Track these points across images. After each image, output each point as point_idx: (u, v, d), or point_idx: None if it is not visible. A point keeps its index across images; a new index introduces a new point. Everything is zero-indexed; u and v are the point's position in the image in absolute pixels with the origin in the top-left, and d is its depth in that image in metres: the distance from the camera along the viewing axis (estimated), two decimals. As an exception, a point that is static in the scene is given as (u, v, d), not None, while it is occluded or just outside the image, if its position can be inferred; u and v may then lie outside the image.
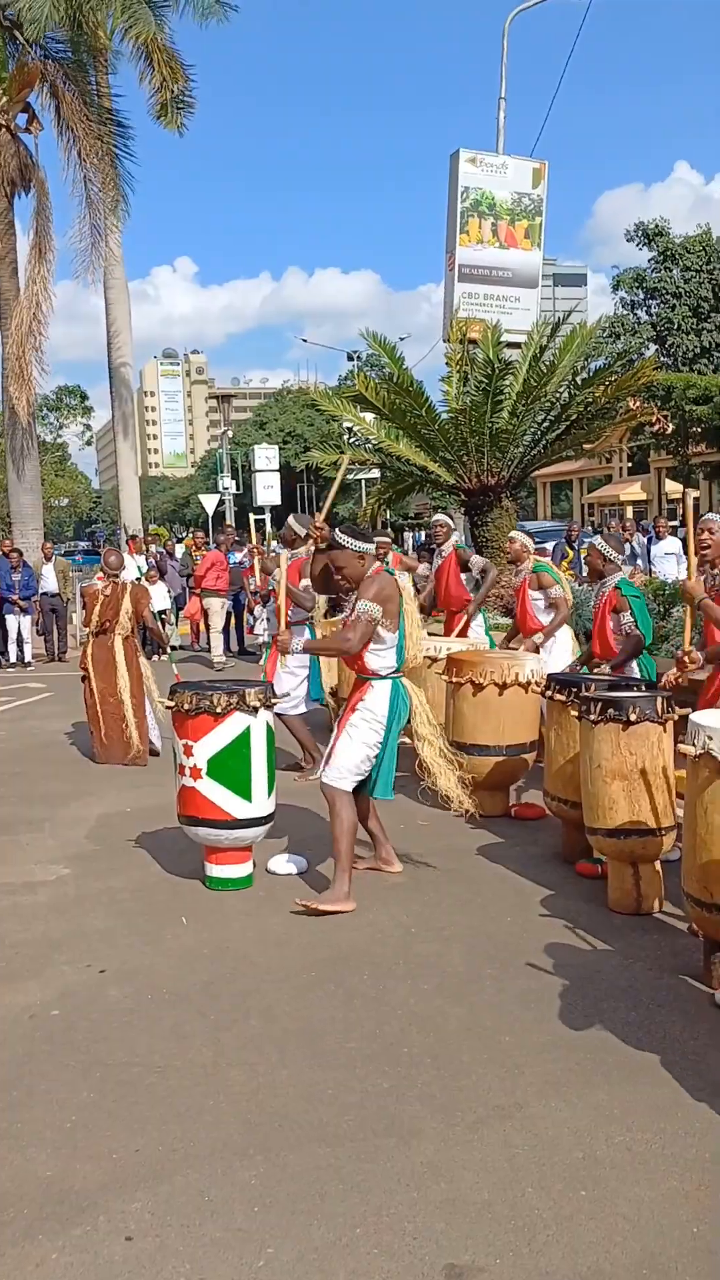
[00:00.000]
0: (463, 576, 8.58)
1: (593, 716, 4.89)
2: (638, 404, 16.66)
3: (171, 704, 5.25)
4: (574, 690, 5.34)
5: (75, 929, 4.86)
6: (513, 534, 7.89)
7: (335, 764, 5.03)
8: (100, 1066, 3.58)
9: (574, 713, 5.14)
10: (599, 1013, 3.85)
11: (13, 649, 15.59)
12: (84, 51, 20.24)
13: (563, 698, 5.47)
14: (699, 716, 4.04)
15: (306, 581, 7.79)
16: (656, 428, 29.53)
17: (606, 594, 6.18)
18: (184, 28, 20.39)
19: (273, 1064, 3.56)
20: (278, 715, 6.67)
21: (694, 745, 3.89)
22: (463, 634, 8.45)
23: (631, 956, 4.35)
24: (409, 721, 5.21)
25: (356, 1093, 3.37)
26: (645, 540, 18.07)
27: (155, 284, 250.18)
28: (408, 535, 25.93)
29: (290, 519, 8.33)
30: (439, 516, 9.16)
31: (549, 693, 5.66)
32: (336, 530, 5.15)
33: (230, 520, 32.44)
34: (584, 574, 15.48)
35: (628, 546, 15.99)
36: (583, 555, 6.80)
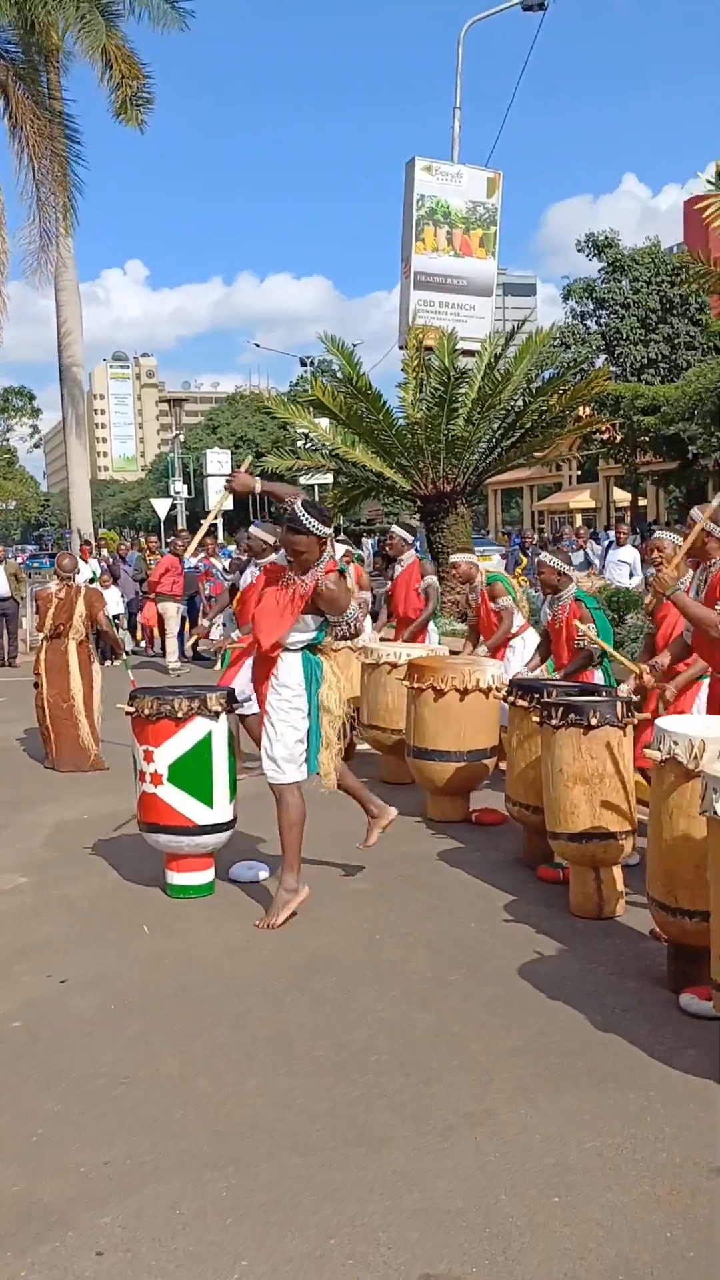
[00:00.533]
0: (419, 587, 8.63)
1: (554, 721, 4.92)
2: (588, 413, 16.85)
3: (131, 709, 5.19)
4: (536, 695, 5.37)
5: (35, 939, 4.78)
6: (455, 558, 7.93)
7: (271, 758, 4.90)
8: (65, 1078, 3.52)
9: (535, 718, 5.17)
10: (565, 1018, 3.86)
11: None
12: (35, 52, 20.06)
13: (524, 703, 5.49)
14: (664, 722, 4.08)
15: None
16: (606, 436, 29.89)
17: (567, 606, 6.20)
18: (140, 31, 20.26)
19: (241, 1073, 3.53)
20: (240, 717, 6.68)
21: (659, 750, 3.93)
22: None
23: (595, 961, 4.37)
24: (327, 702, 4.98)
25: (326, 1101, 3.35)
26: (601, 548, 18.28)
27: (105, 286, 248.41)
28: (366, 541, 25.90)
29: (253, 529, 8.30)
30: (395, 529, 9.12)
31: (510, 698, 5.68)
32: (299, 507, 4.66)
33: (182, 525, 32.21)
34: (536, 579, 15.66)
35: (581, 553, 16.15)
36: (536, 574, 6.82)
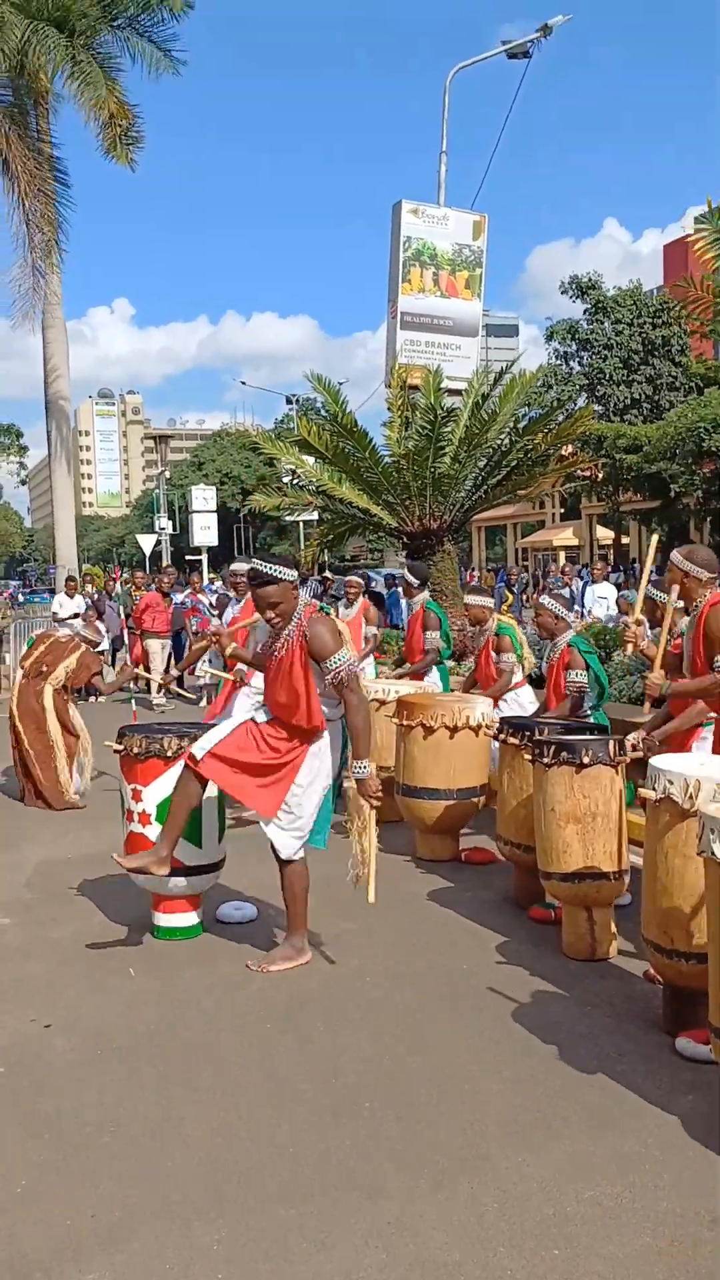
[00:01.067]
0: (425, 634, 8.58)
1: (546, 759, 4.89)
2: (571, 452, 16.96)
3: (120, 747, 5.14)
4: (527, 733, 5.35)
5: (17, 980, 4.69)
6: (469, 599, 7.84)
7: (288, 829, 4.67)
8: (50, 1125, 3.43)
9: (527, 756, 5.14)
10: (560, 1061, 3.80)
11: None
12: (25, 95, 20.29)
13: (516, 741, 5.47)
14: (659, 761, 4.05)
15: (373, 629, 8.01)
16: (589, 475, 30.11)
17: (560, 650, 6.17)
18: (133, 71, 20.50)
19: (229, 1117, 3.45)
20: None
21: (654, 789, 3.90)
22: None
23: (589, 1003, 4.32)
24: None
25: (317, 1147, 3.27)
26: (580, 585, 18.38)
27: (92, 324, 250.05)
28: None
29: (235, 564, 8.30)
30: (406, 574, 9.17)
31: (502, 736, 5.65)
32: (257, 561, 4.52)
33: (167, 560, 32.19)
34: (521, 614, 15.67)
35: (567, 590, 16.22)
36: (532, 617, 6.80)
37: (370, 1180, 3.09)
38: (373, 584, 17.32)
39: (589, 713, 5.96)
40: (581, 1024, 4.11)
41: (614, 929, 4.87)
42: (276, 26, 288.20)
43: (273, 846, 4.74)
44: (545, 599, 6.28)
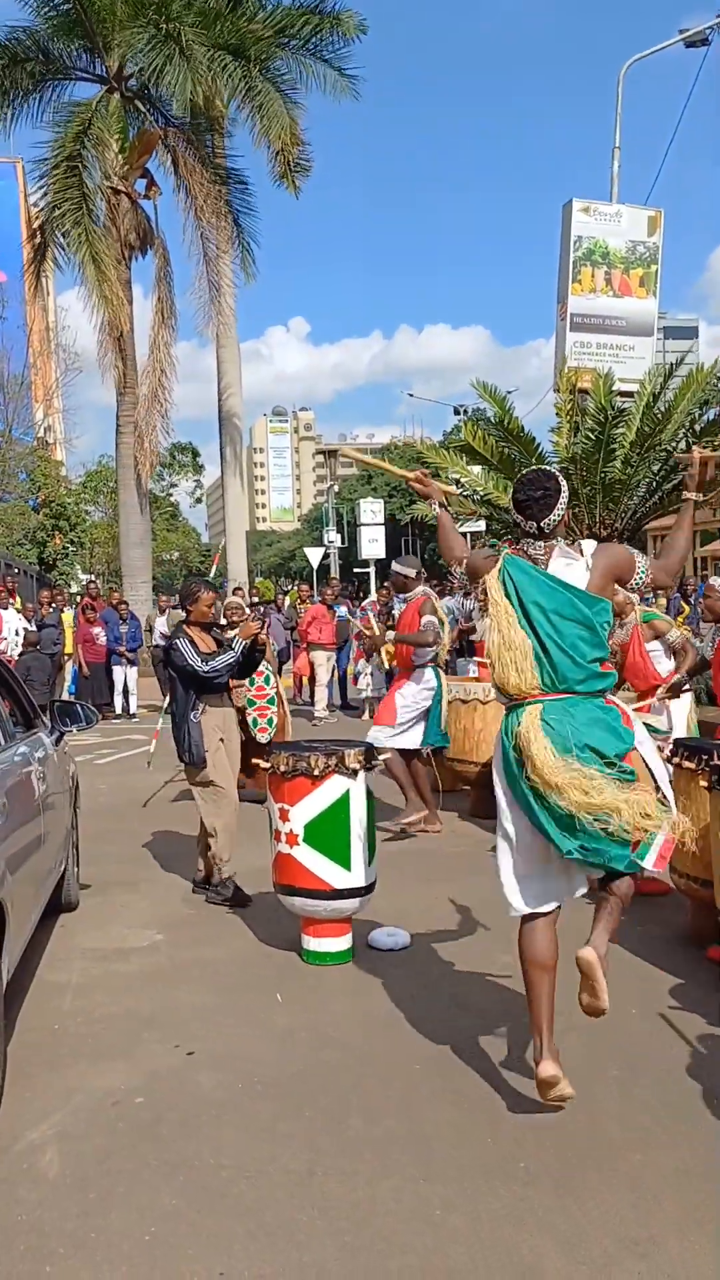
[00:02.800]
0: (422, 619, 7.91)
1: (725, 787, 4.46)
2: (755, 454, 16.04)
3: (267, 765, 4.99)
4: (704, 758, 4.91)
5: (165, 1004, 4.58)
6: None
7: None
8: (186, 1168, 3.26)
9: (704, 783, 4.71)
10: (743, 1130, 3.39)
11: (118, 700, 15.63)
12: (201, 118, 20.80)
13: (692, 765, 5.03)
14: None
15: (429, 618, 7.56)
16: (774, 479, 28.62)
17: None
18: (311, 95, 20.57)
19: (374, 1174, 3.20)
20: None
21: None
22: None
23: (776, 1062, 3.86)
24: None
25: (468, 1214, 2.98)
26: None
27: (269, 343, 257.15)
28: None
29: (395, 564, 8.09)
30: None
31: (676, 759, 5.22)
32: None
33: (335, 574, 32.44)
34: (699, 627, 14.88)
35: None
36: (703, 599, 6.37)
37: (524, 1258, 2.78)
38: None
39: None
40: (768, 1087, 3.67)
41: None
42: (443, 32, 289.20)
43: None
44: (716, 579, 5.89)
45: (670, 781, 3.79)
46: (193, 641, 5.87)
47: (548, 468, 4.28)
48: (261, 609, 17.95)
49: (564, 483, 3.55)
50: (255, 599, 19.26)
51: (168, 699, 9.70)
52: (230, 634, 6.30)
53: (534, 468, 4.08)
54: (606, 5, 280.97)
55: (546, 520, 3.47)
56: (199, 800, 5.97)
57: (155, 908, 5.98)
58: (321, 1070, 3.90)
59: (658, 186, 28.49)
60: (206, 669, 5.79)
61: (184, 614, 6.18)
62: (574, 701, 3.40)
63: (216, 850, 5.92)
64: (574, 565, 3.46)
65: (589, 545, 3.52)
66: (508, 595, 3.45)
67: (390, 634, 8.71)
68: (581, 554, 3.47)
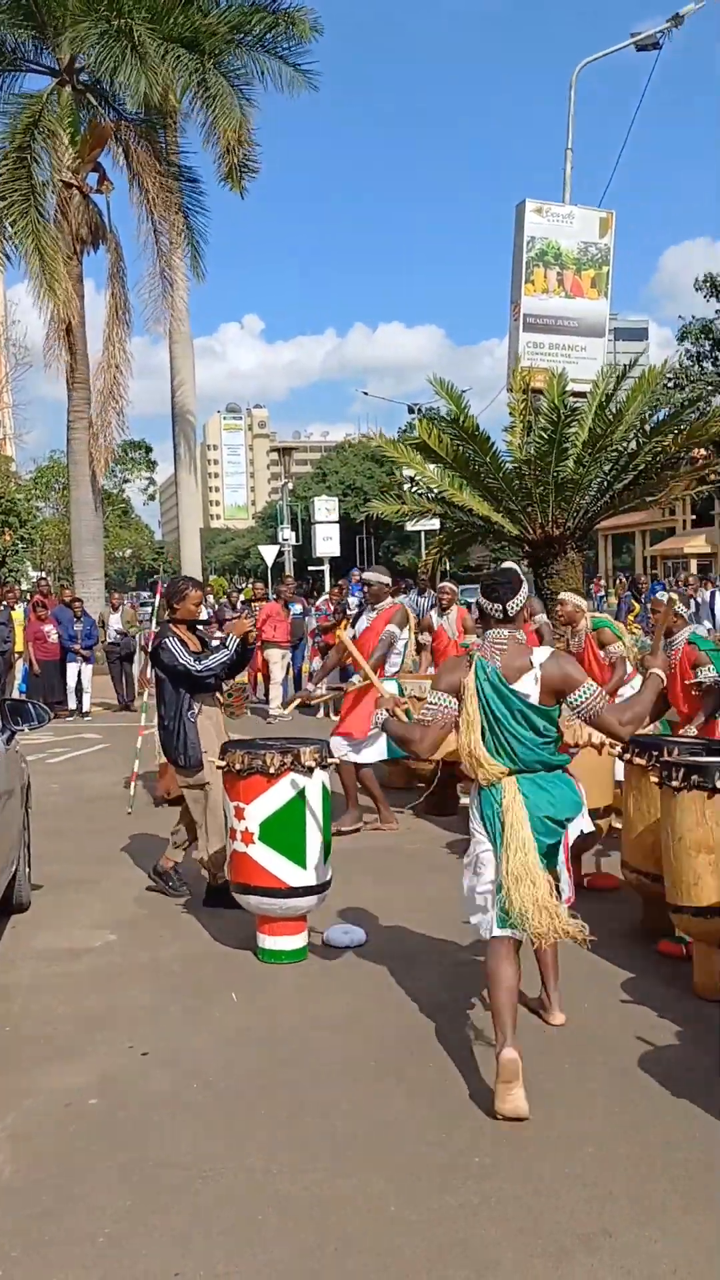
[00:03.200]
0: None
1: (675, 783, 4.51)
2: (705, 454, 16.25)
3: (222, 764, 4.97)
4: (655, 754, 4.97)
5: (119, 1004, 4.54)
6: (562, 596, 7.50)
7: None
8: (140, 1167, 3.24)
9: (654, 779, 4.77)
10: (694, 1122, 3.43)
11: (72, 698, 15.46)
12: (155, 113, 20.62)
13: (642, 761, 5.09)
14: None
15: (390, 627, 7.53)
16: (722, 479, 29.02)
17: (680, 650, 5.84)
18: (262, 91, 20.45)
19: (330, 1171, 3.20)
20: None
21: None
22: None
23: (727, 1053, 3.92)
24: None
25: (423, 1210, 2.99)
26: (709, 594, 17.52)
27: (223, 340, 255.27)
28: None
29: (369, 574, 8.13)
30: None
31: (627, 756, 5.28)
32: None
33: (290, 571, 32.38)
34: (649, 625, 15.06)
35: (691, 602, 15.50)
36: (651, 614, 6.50)
37: (480, 1252, 2.80)
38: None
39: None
40: (718, 1080, 3.71)
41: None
42: (397, 30, 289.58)
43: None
44: (662, 593, 5.99)
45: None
46: (181, 640, 5.73)
47: (512, 567, 4.77)
48: (217, 605, 17.86)
49: (525, 580, 3.91)
50: (244, 598, 19.15)
51: (144, 695, 9.60)
52: (217, 631, 6.22)
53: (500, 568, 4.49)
54: (561, 7, 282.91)
55: (511, 603, 3.78)
56: (190, 803, 5.79)
57: (108, 907, 5.93)
58: (276, 1069, 3.89)
59: (610, 188, 28.78)
60: (200, 668, 5.60)
61: (170, 611, 6.01)
62: (543, 776, 3.77)
63: (210, 855, 5.69)
64: (526, 677, 3.71)
65: (540, 654, 3.74)
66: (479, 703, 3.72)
67: (320, 689, 8.80)
68: (532, 664, 3.71)
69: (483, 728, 3.70)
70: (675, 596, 5.30)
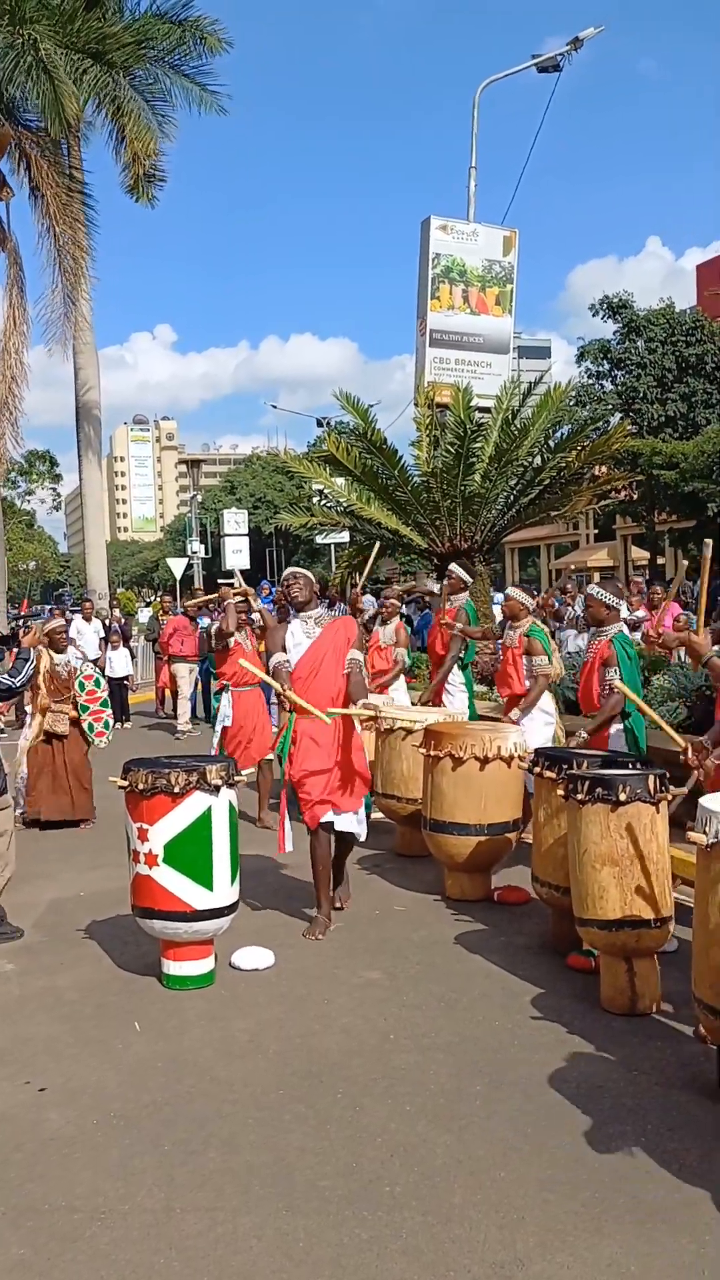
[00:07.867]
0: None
1: (580, 795, 4.51)
2: (605, 471, 16.55)
3: (124, 783, 4.81)
4: (563, 766, 4.96)
5: (15, 1037, 4.35)
6: (510, 590, 7.53)
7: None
8: (34, 1213, 3.09)
9: (560, 792, 4.76)
10: (603, 1140, 3.40)
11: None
12: (56, 121, 20.25)
13: (552, 775, 5.08)
14: (710, 801, 3.66)
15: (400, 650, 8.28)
16: (623, 495, 29.61)
17: (601, 644, 5.77)
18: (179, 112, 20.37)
19: (235, 1208, 3.09)
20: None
21: (705, 833, 3.51)
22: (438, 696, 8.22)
23: (635, 1068, 3.91)
24: None
25: (332, 1245, 2.90)
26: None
27: (134, 350, 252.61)
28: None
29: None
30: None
31: (536, 769, 5.27)
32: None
33: (199, 584, 32.01)
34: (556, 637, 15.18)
35: (568, 611, 15.67)
36: (585, 608, 6.57)
37: (389, 1287, 2.72)
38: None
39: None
40: (627, 1094, 3.70)
41: (658, 980, 4.47)
42: (306, 50, 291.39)
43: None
44: (593, 588, 5.99)
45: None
46: None
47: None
48: (122, 620, 17.50)
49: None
50: (118, 611, 18.78)
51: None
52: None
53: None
54: (466, 27, 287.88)
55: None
56: None
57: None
58: (179, 1100, 3.76)
59: (513, 207, 29.18)
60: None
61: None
62: None
63: None
64: None
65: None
66: None
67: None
68: None
69: None
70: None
